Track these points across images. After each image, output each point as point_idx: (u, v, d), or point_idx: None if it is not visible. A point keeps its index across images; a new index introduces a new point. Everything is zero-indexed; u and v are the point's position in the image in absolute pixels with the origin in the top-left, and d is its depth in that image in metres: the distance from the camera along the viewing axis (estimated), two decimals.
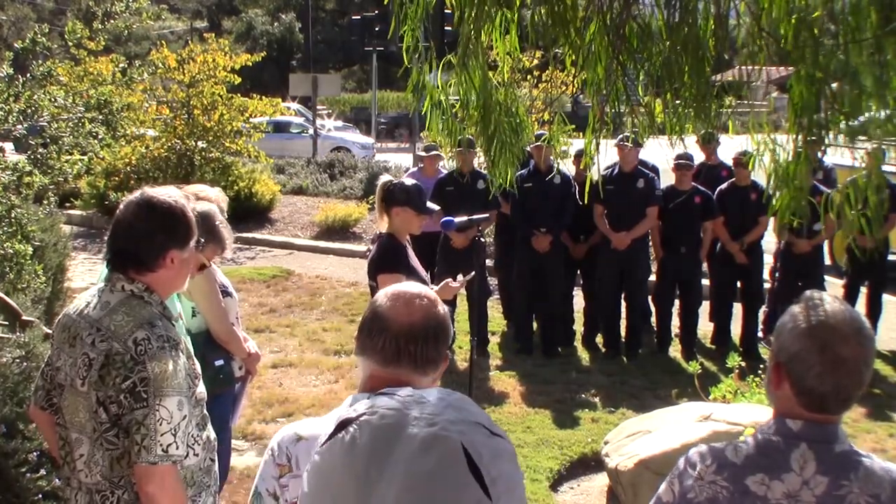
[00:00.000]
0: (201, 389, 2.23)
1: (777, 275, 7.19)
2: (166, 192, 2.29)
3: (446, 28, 14.19)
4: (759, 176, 2.81)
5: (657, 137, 2.95)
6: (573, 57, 2.62)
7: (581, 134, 3.16)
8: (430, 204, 4.15)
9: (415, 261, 4.14)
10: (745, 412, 4.24)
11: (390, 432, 0.90)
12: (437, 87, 2.91)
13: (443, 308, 1.66)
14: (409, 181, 4.17)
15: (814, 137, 2.46)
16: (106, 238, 2.29)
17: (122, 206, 2.26)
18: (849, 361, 1.61)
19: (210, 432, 2.28)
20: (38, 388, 2.34)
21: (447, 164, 8.30)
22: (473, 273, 4.34)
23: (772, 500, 1.63)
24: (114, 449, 2.11)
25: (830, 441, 1.64)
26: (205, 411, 2.26)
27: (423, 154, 7.90)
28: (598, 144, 2.79)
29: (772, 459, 1.65)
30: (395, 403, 0.94)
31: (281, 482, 1.62)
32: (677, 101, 2.58)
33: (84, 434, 2.14)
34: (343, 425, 0.93)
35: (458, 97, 2.94)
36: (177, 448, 2.07)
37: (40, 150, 4.82)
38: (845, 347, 1.61)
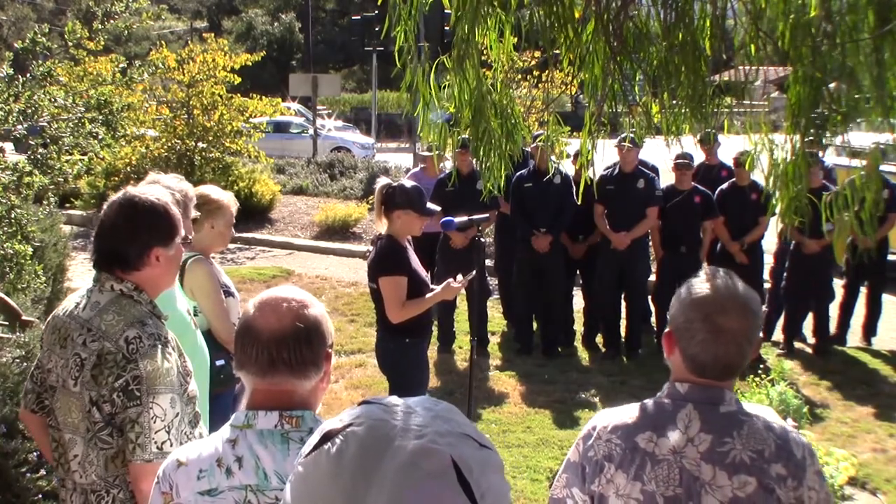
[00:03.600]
0: (193, 387, 2.23)
1: (784, 274, 7.18)
2: (149, 191, 2.30)
3: (446, 28, 14.18)
4: (760, 176, 2.82)
5: (654, 137, 2.95)
6: (571, 57, 2.62)
7: (580, 134, 3.16)
8: (430, 205, 4.16)
9: (416, 262, 4.14)
10: None
11: (378, 444, 0.88)
12: (430, 88, 2.91)
13: (315, 308, 1.64)
14: (408, 183, 4.16)
15: (811, 137, 2.46)
16: (92, 239, 2.29)
17: (105, 207, 2.27)
18: (729, 333, 1.71)
19: (203, 430, 2.28)
20: (27, 392, 2.33)
21: (445, 165, 8.30)
22: (474, 272, 4.34)
23: (659, 456, 1.73)
24: (108, 448, 2.11)
25: (715, 402, 1.74)
26: (197, 409, 2.26)
27: (426, 154, 7.89)
28: (594, 145, 2.79)
29: (660, 419, 1.76)
30: (381, 414, 0.92)
31: None
32: (674, 102, 2.58)
33: (77, 434, 2.15)
34: (328, 436, 0.91)
35: (453, 99, 2.94)
36: (171, 445, 2.07)
37: (40, 150, 4.82)
38: (726, 319, 1.71)
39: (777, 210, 2.72)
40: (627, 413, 1.82)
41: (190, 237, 3.01)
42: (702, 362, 1.73)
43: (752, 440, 1.69)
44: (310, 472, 0.90)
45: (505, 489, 0.93)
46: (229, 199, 3.60)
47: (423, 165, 7.96)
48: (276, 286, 3.59)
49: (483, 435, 0.95)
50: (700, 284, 1.78)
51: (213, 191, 3.58)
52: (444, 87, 2.95)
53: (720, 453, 1.68)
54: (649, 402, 1.81)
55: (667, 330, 1.81)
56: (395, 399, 0.96)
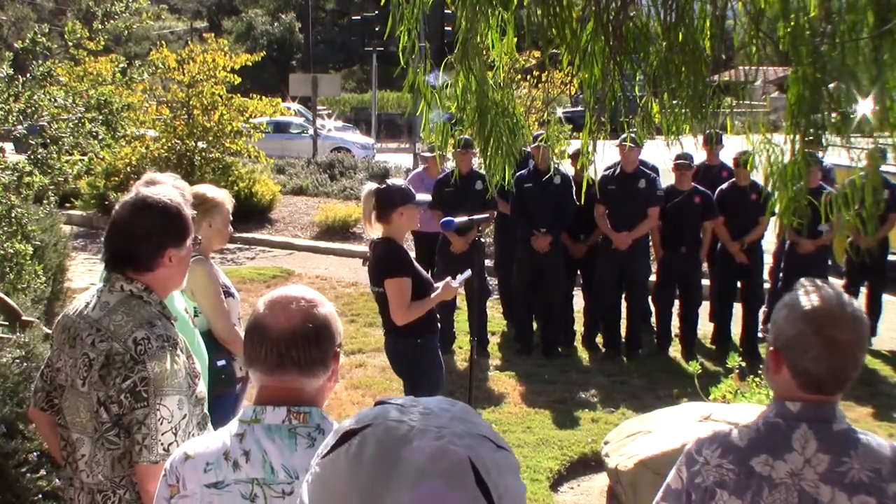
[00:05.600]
0: (201, 388, 2.24)
1: (780, 274, 7.19)
2: (161, 191, 2.30)
3: (447, 28, 14.19)
4: (760, 176, 2.82)
5: (654, 138, 2.95)
6: (570, 57, 2.62)
7: (580, 134, 3.16)
8: (419, 196, 4.17)
9: (415, 263, 4.15)
10: (745, 412, 4.24)
11: (396, 445, 0.87)
12: (433, 89, 2.91)
13: (325, 308, 1.66)
14: (396, 180, 4.19)
15: (811, 137, 2.47)
16: (103, 239, 2.30)
17: (117, 207, 2.27)
18: (843, 343, 1.67)
19: (210, 431, 2.29)
20: (37, 390, 2.34)
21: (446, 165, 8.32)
22: (469, 272, 4.34)
23: (776, 480, 1.68)
24: (115, 449, 2.11)
25: (829, 420, 1.69)
26: (205, 410, 2.27)
27: (428, 154, 7.90)
28: (594, 145, 2.79)
29: (774, 440, 1.70)
30: (398, 415, 0.93)
31: (172, 502, 1.64)
32: (674, 102, 2.58)
33: (85, 434, 2.15)
34: (346, 437, 0.92)
35: (455, 98, 2.95)
36: (178, 447, 2.07)
37: (40, 150, 4.82)
38: (839, 330, 1.67)
39: (776, 210, 2.71)
40: (737, 436, 1.76)
41: (200, 237, 3.02)
42: (816, 376, 1.68)
43: (868, 459, 1.65)
44: (327, 473, 0.91)
45: (521, 491, 0.93)
46: (225, 197, 3.61)
47: (425, 166, 7.96)
48: (276, 286, 3.57)
49: (500, 436, 0.95)
50: (806, 297, 1.72)
51: (208, 189, 3.59)
52: (446, 87, 2.95)
53: (838, 473, 1.64)
54: (758, 423, 1.76)
55: (771, 348, 1.75)
56: (411, 400, 0.96)
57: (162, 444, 2.06)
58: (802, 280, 1.78)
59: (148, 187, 2.35)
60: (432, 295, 4.06)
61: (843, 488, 1.63)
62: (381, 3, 2.90)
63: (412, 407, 0.93)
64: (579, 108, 19.82)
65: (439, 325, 4.37)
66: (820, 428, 1.68)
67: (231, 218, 3.64)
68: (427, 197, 4.26)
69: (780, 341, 1.73)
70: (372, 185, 4.11)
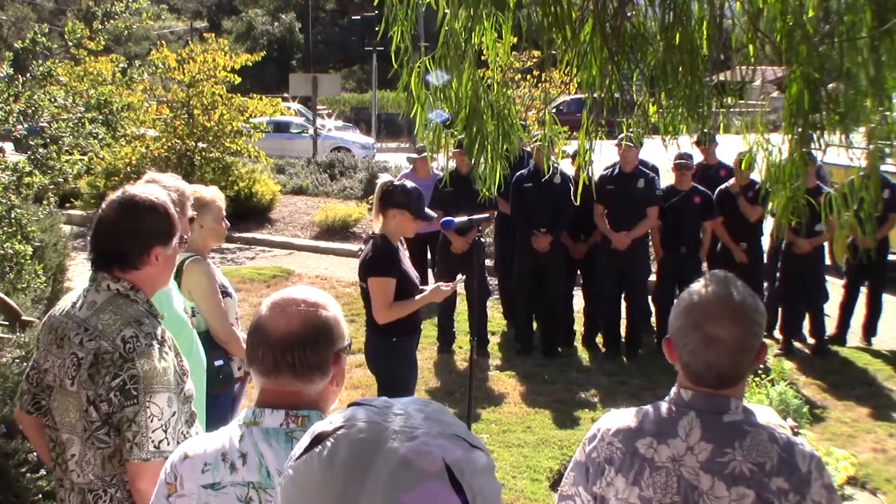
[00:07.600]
0: (190, 386, 2.23)
1: (777, 275, 7.19)
2: (148, 190, 2.30)
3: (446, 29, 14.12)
4: (758, 176, 2.82)
5: (652, 137, 2.95)
6: (569, 57, 2.62)
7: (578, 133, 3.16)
8: (427, 210, 4.16)
9: (407, 263, 4.14)
10: None
11: (369, 447, 0.87)
12: (427, 91, 2.91)
13: (327, 311, 1.63)
14: (410, 184, 4.17)
15: (809, 137, 2.47)
16: (89, 238, 2.29)
17: (104, 206, 2.26)
18: (720, 341, 1.67)
19: (198, 429, 2.28)
20: (23, 393, 2.33)
21: (441, 166, 8.31)
22: (464, 277, 4.33)
23: (658, 463, 1.71)
24: (105, 447, 2.11)
25: (720, 411, 1.70)
26: (193, 408, 2.26)
27: (415, 156, 7.88)
28: (592, 145, 2.79)
29: (662, 425, 1.74)
30: (372, 416, 0.92)
31: (170, 501, 1.63)
32: (671, 102, 2.58)
33: (75, 434, 2.15)
34: (319, 439, 0.91)
35: (448, 99, 2.94)
36: (168, 444, 2.08)
37: (40, 150, 4.83)
38: (717, 328, 1.67)
39: (773, 210, 2.72)
40: (631, 417, 1.80)
41: (186, 236, 3.01)
42: (695, 371, 1.70)
43: (753, 452, 1.65)
44: (300, 475, 0.90)
45: (496, 490, 0.93)
46: (213, 194, 3.61)
47: (412, 167, 7.94)
48: (276, 286, 3.54)
49: (474, 435, 0.95)
50: (694, 290, 1.73)
51: (196, 189, 3.59)
52: (440, 89, 2.95)
53: (719, 463, 1.65)
54: (653, 407, 1.79)
55: (666, 336, 1.78)
56: (385, 400, 0.95)
57: (152, 441, 2.06)
58: (712, 271, 1.80)
59: (136, 186, 2.35)
60: (418, 297, 4.06)
61: (723, 478, 1.64)
62: (375, 3, 2.90)
63: (385, 408, 0.93)
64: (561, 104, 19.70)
65: (425, 328, 4.35)
66: (708, 418, 1.69)
67: (224, 214, 3.64)
68: (433, 214, 4.25)
69: (671, 332, 1.75)
70: (386, 178, 4.14)
